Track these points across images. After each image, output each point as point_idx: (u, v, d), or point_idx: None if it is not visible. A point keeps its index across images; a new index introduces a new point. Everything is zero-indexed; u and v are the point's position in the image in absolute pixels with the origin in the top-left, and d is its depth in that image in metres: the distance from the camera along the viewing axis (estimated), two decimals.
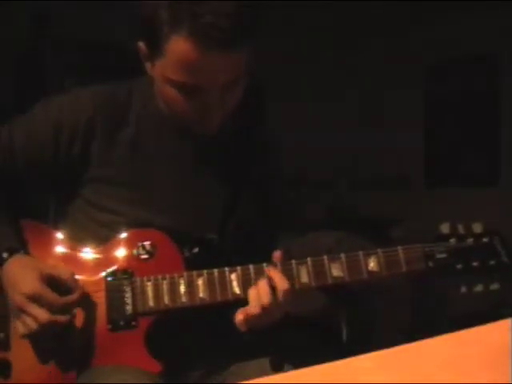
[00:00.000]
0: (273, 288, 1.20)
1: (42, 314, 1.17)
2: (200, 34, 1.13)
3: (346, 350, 2.37)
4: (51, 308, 1.18)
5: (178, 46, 1.15)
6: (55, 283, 1.21)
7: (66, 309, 1.20)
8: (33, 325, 1.18)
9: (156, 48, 1.19)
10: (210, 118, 1.24)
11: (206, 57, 1.15)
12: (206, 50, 1.14)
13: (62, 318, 1.19)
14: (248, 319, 1.20)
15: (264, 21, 1.26)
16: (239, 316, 1.20)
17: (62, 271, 1.23)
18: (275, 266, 1.22)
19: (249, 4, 1.17)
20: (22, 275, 1.20)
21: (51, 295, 1.19)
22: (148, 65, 1.26)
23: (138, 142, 1.32)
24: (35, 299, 1.18)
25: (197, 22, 1.12)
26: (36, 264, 1.23)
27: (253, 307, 1.20)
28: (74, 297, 1.21)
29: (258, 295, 1.20)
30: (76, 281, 1.22)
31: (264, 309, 1.19)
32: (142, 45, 1.24)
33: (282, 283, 1.20)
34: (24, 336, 1.21)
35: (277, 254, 1.24)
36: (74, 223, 1.35)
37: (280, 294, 1.19)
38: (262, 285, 1.20)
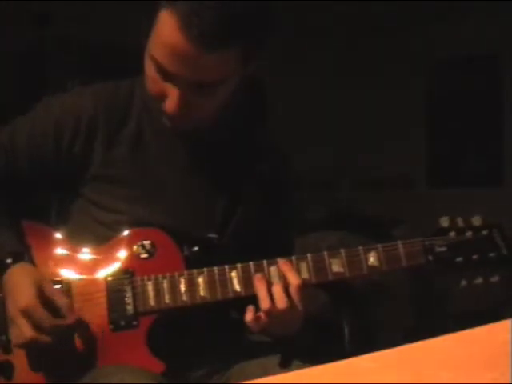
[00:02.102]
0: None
1: (27, 331, 1.16)
2: (183, 17, 1.11)
3: (347, 350, 2.37)
4: (39, 326, 1.17)
5: (163, 17, 1.14)
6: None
7: (54, 330, 1.18)
8: (20, 338, 1.18)
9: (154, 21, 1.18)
10: (171, 113, 1.20)
11: (181, 43, 1.12)
12: (184, 35, 1.11)
13: (44, 339, 1.17)
14: (259, 317, 1.18)
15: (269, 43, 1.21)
16: (248, 314, 1.19)
17: (59, 297, 1.21)
18: (290, 260, 1.21)
19: (241, 10, 1.13)
20: (20, 287, 1.20)
21: (42, 314, 1.17)
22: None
23: (139, 140, 1.32)
24: (26, 314, 1.17)
25: (186, 4, 1.11)
26: (37, 277, 1.22)
27: (262, 300, 1.18)
28: (64, 322, 1.19)
29: (268, 286, 1.18)
30: (71, 308, 1.21)
31: (275, 303, 1.17)
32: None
33: (294, 278, 1.19)
34: (16, 346, 1.21)
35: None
36: (75, 223, 1.35)
37: (293, 289, 1.18)
38: (272, 274, 1.19)
